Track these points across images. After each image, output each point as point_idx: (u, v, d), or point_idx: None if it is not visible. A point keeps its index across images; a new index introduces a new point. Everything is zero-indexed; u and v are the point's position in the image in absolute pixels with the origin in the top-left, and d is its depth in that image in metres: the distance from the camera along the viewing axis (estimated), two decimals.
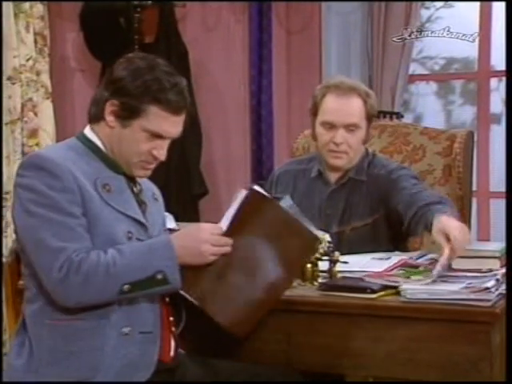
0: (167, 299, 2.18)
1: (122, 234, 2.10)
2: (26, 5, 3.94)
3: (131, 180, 2.22)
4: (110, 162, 2.17)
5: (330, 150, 2.79)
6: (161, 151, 2.16)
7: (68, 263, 2.00)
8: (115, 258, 2.03)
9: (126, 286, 2.02)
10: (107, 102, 2.14)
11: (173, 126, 2.16)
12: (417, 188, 2.67)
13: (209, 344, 2.29)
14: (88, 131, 2.20)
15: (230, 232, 2.11)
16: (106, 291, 2.03)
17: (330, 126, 2.77)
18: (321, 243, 2.37)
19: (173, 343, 2.18)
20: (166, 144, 2.18)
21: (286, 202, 2.35)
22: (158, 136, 2.14)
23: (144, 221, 2.17)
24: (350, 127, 2.76)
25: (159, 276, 2.03)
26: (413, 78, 4.43)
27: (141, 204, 2.21)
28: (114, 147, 2.17)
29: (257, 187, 2.18)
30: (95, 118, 2.19)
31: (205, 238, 2.08)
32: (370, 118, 2.81)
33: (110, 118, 2.15)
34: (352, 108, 2.77)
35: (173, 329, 2.19)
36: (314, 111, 2.83)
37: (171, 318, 2.19)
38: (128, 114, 2.12)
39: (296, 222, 2.20)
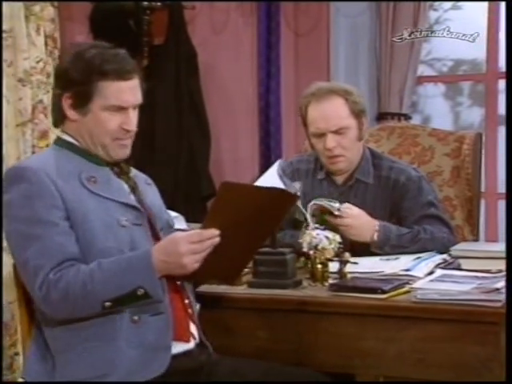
0: (178, 282, 2.16)
1: (115, 223, 2.11)
2: (37, 7, 3.94)
3: (119, 168, 2.21)
4: (91, 156, 2.18)
5: (327, 157, 2.82)
6: (130, 123, 2.16)
7: (47, 282, 2.02)
8: (93, 274, 2.03)
9: (108, 303, 2.02)
10: (62, 99, 2.16)
11: (129, 93, 2.15)
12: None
13: (220, 343, 2.30)
14: (60, 133, 2.22)
15: (208, 226, 2.06)
16: (87, 307, 2.03)
17: (320, 134, 2.80)
18: (331, 244, 2.39)
19: (191, 324, 2.17)
20: (132, 114, 2.17)
21: (297, 185, 2.52)
22: (119, 108, 2.14)
23: (138, 205, 2.17)
24: (339, 131, 2.78)
25: (140, 292, 2.02)
26: (421, 80, 4.43)
27: (134, 190, 2.21)
28: (86, 139, 2.17)
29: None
30: (59, 119, 2.20)
31: (184, 250, 2.03)
32: (357, 114, 2.81)
33: (70, 113, 2.16)
34: (334, 111, 2.79)
35: (189, 310, 2.18)
36: (304, 123, 2.86)
37: (186, 301, 2.18)
38: (83, 100, 2.13)
39: (270, 190, 2.16)
